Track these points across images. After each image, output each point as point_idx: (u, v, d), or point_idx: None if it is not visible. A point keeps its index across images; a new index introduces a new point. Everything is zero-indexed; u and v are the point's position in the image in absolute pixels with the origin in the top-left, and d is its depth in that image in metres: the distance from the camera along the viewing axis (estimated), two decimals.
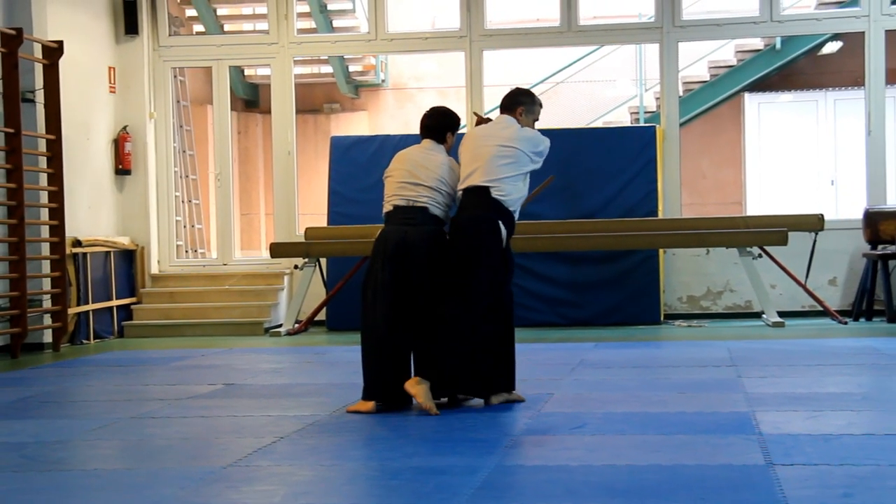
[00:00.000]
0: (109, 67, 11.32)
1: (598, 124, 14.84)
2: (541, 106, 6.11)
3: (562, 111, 15.42)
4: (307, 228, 11.13)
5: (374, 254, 5.96)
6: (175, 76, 12.34)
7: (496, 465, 4.44)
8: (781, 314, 10.36)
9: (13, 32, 9.33)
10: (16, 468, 4.66)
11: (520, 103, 6.01)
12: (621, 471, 4.29)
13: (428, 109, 6.23)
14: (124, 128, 11.39)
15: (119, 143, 11.33)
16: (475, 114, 6.58)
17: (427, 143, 6.09)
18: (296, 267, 11.06)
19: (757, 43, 14.12)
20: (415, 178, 5.95)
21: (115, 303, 10.93)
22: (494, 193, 5.78)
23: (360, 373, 5.88)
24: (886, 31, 11.02)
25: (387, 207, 6.04)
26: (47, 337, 9.86)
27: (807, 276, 10.50)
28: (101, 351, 9.72)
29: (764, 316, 10.46)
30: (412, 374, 5.76)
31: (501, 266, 5.82)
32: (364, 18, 13.79)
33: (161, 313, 11.23)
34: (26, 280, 9.35)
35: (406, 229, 5.88)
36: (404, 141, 11.37)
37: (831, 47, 14.66)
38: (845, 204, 14.20)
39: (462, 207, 5.89)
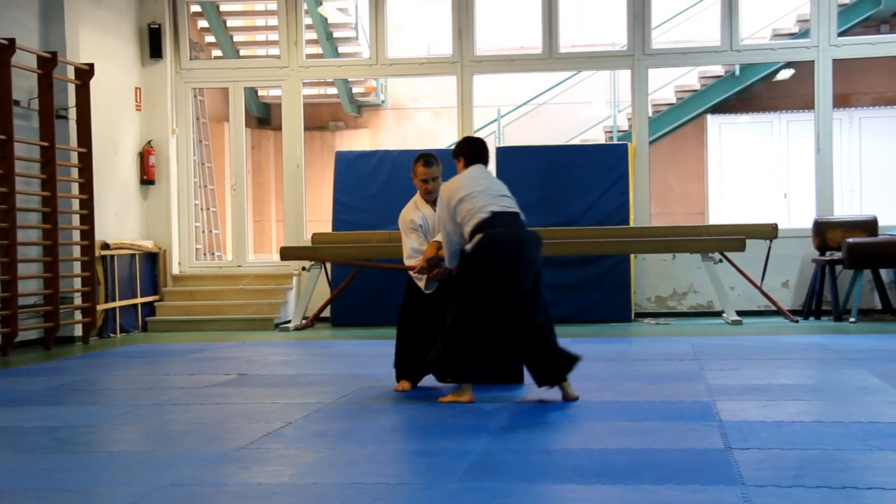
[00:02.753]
0: (136, 88, 11.30)
1: (576, 142, 14.86)
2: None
3: (543, 130, 15.45)
4: (314, 234, 11.11)
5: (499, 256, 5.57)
6: (195, 96, 12.31)
7: (484, 448, 4.43)
8: (739, 313, 10.37)
9: (49, 55, 9.31)
10: (48, 450, 4.65)
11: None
12: (595, 453, 4.29)
13: (472, 138, 6.05)
14: (149, 142, 11.37)
15: (144, 156, 11.30)
16: None
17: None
18: (303, 268, 11.05)
19: (718, 70, 14.16)
20: (504, 192, 5.78)
21: (139, 300, 10.90)
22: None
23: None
24: (834, 60, 11.04)
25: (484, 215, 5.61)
26: (78, 331, 9.83)
27: (762, 279, 10.52)
28: (126, 344, 9.69)
29: (724, 315, 10.47)
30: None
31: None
32: (366, 45, 13.80)
33: (181, 310, 11.20)
34: (59, 279, 9.33)
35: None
36: (402, 156, 11.39)
37: (784, 74, 14.70)
38: (797, 214, 14.22)
39: (507, 225, 5.60)
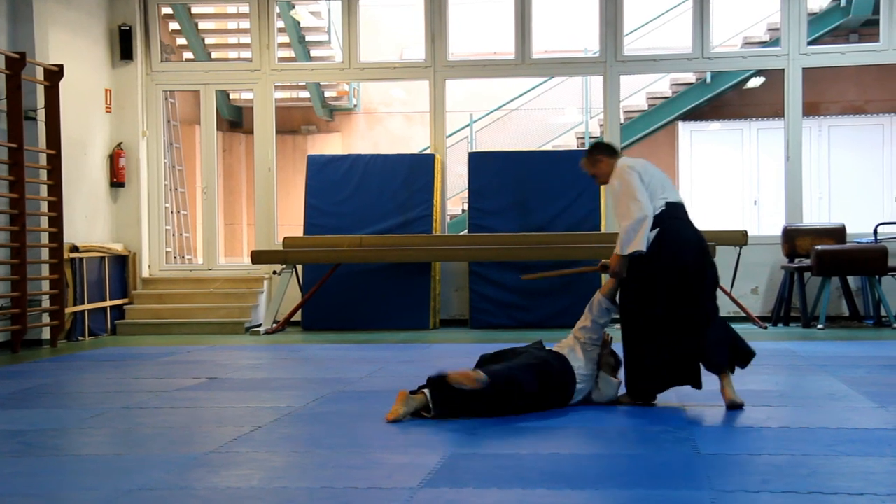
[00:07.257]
0: (106, 89, 11.23)
1: (549, 148, 14.90)
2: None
3: (516, 135, 15.49)
4: (285, 238, 11.09)
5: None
6: (166, 98, 12.26)
7: (453, 452, 4.44)
8: None
9: (17, 56, 9.24)
10: (15, 454, 4.61)
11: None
12: (565, 458, 4.31)
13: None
14: (119, 144, 11.30)
15: (114, 159, 11.23)
16: None
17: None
18: (274, 272, 11.01)
19: (690, 77, 14.26)
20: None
21: (108, 303, 10.83)
22: None
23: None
24: (803, 68, 11.16)
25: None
26: (46, 334, 9.74)
27: (732, 286, 10.59)
28: (95, 347, 9.62)
29: None
30: None
31: None
32: (339, 49, 13.78)
33: (151, 313, 11.14)
34: (27, 282, 9.25)
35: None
36: (374, 160, 11.40)
37: (755, 82, 14.83)
38: (766, 222, 14.35)
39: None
